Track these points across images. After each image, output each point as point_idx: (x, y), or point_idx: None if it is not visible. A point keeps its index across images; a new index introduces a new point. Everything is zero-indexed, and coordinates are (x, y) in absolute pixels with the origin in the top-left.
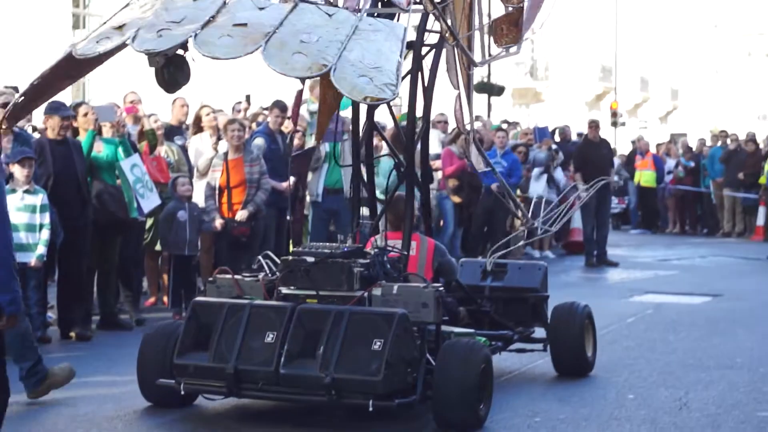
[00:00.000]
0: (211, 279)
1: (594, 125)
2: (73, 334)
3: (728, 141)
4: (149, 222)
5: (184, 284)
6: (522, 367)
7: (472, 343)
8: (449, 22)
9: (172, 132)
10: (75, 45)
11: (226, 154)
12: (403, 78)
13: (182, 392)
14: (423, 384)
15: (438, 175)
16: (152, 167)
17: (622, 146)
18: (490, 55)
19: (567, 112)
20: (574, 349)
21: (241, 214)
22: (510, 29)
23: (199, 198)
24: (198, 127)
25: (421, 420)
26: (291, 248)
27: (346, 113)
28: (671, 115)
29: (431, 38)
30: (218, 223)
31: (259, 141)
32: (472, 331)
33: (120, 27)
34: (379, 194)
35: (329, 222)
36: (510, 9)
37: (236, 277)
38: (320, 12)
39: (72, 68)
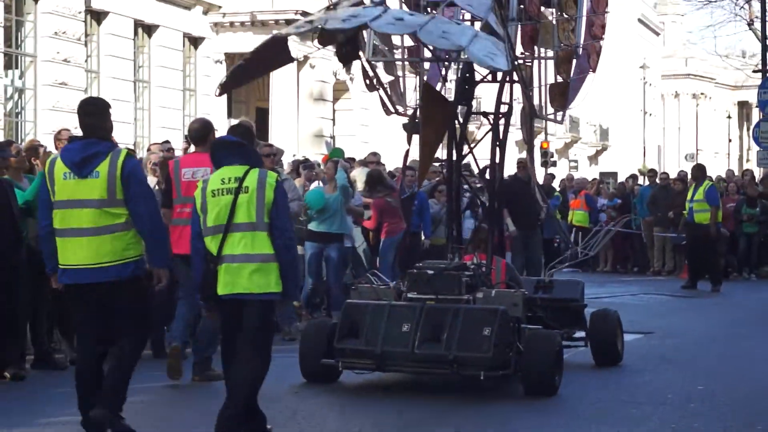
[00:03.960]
0: (354, 287)
1: (522, 164)
2: (6, 373)
3: (657, 180)
4: None
5: None
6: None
7: (549, 332)
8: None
9: None
10: (278, 32)
11: None
12: (483, 138)
13: (340, 368)
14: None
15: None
16: None
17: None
18: (544, 114)
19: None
20: (609, 344)
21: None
22: (559, 97)
23: None
24: None
25: (513, 387)
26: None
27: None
28: (601, 155)
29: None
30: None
31: None
32: (540, 327)
33: (311, 21)
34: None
35: None
36: (560, 80)
37: (373, 285)
38: (451, 22)
39: (273, 54)
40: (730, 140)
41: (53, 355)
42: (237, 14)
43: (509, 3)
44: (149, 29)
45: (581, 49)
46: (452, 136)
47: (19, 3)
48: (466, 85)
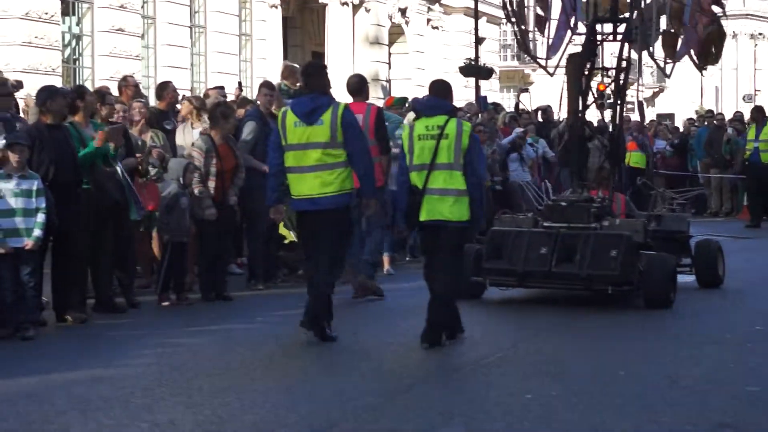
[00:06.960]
0: (496, 217)
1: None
2: (68, 317)
3: (714, 121)
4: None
5: (178, 270)
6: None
7: (666, 256)
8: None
9: (161, 117)
10: None
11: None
12: (607, 86)
13: (487, 286)
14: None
15: None
16: (144, 193)
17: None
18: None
19: (556, 95)
20: (712, 269)
21: (233, 200)
22: (668, 48)
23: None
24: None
25: (635, 301)
26: None
27: None
28: (658, 97)
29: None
30: (214, 212)
31: (250, 126)
32: (654, 252)
33: None
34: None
35: None
36: (672, 30)
37: (513, 215)
38: None
39: None
40: None
41: (114, 299)
42: None
43: None
44: None
45: (691, 19)
46: (578, 89)
47: None
48: (591, 43)
